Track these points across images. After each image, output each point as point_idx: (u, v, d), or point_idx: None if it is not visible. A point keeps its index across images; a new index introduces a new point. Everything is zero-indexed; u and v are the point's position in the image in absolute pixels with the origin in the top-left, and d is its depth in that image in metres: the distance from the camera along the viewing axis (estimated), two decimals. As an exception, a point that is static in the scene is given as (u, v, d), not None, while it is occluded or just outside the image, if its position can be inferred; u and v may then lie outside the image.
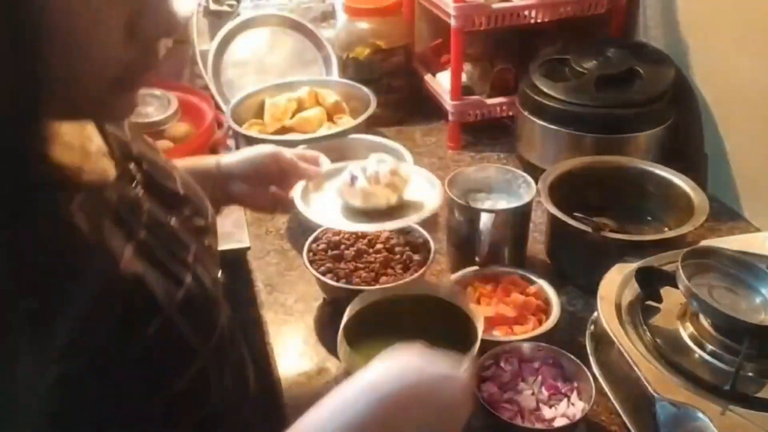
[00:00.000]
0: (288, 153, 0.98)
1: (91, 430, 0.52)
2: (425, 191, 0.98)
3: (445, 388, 0.64)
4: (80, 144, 0.60)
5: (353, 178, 0.93)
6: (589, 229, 1.01)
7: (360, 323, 0.87)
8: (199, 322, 0.61)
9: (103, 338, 0.52)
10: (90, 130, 0.64)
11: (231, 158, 0.97)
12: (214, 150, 1.48)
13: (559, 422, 0.81)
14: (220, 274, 0.76)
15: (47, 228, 0.49)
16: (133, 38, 0.49)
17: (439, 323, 0.87)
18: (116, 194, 0.60)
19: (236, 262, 1.19)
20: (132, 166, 0.66)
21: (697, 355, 0.82)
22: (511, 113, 1.47)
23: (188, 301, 0.60)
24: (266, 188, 0.96)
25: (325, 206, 0.96)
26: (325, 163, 1.01)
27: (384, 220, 0.92)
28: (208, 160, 0.97)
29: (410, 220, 0.93)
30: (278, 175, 0.96)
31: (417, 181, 0.99)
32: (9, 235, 0.46)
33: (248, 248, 1.20)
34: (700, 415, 0.72)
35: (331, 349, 0.98)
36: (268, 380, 0.96)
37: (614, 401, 0.84)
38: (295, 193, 0.96)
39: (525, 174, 1.11)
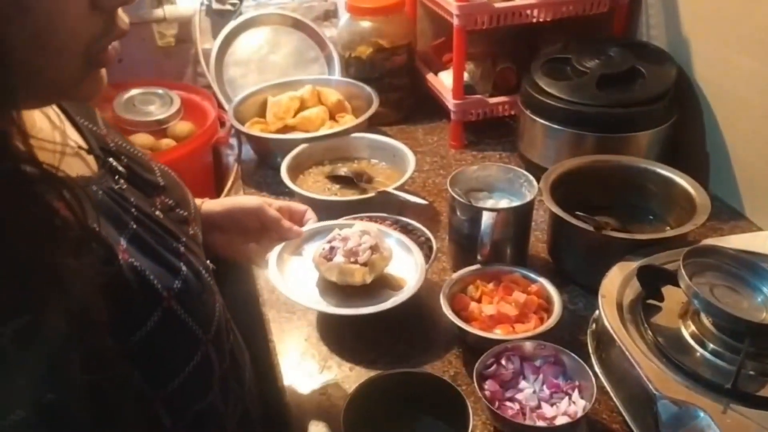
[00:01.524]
0: (272, 210, 0.92)
1: (99, 424, 0.52)
2: (408, 265, 0.95)
3: None
4: (55, 140, 0.60)
5: (331, 250, 0.90)
6: (591, 228, 1.01)
7: (359, 405, 0.81)
8: (198, 311, 0.62)
9: (106, 332, 0.52)
10: (66, 126, 0.64)
11: (214, 206, 0.92)
12: (216, 149, 1.49)
13: (561, 420, 0.81)
14: (209, 262, 0.76)
15: (37, 223, 0.48)
16: (96, 9, 0.50)
17: (435, 402, 0.83)
18: (101, 188, 0.60)
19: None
20: (112, 160, 0.66)
21: (698, 354, 0.82)
22: (513, 112, 1.47)
23: (186, 291, 0.61)
24: (245, 242, 0.92)
25: (299, 275, 0.93)
26: (311, 220, 0.96)
27: (359, 296, 0.90)
28: None
29: (383, 306, 0.89)
30: (259, 231, 0.92)
31: (400, 256, 0.96)
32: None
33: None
34: (702, 413, 0.73)
35: (333, 347, 0.99)
36: (270, 378, 0.96)
37: (615, 400, 0.85)
38: (272, 257, 0.92)
39: (527, 173, 1.12)
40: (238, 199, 0.95)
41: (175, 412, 0.60)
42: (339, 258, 0.90)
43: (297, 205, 0.99)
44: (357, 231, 0.93)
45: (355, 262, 0.90)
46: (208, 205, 0.92)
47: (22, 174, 0.47)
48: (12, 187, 0.46)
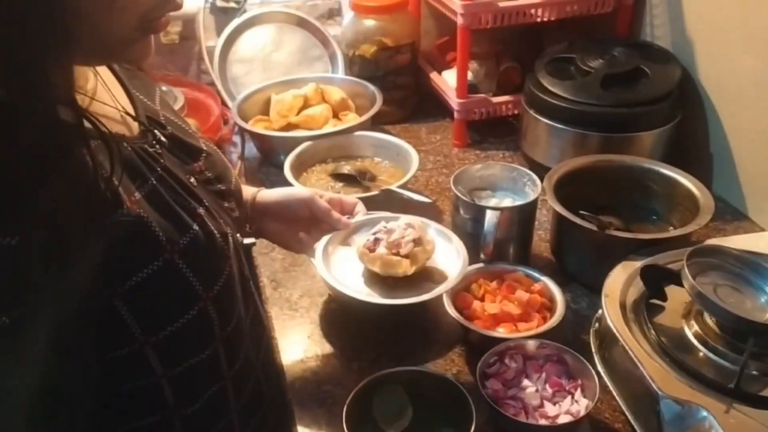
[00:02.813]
0: (322, 202, 0.95)
1: (87, 363, 0.55)
2: (450, 257, 0.96)
3: None
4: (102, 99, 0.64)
5: (375, 241, 0.94)
6: (595, 228, 1.01)
7: (361, 403, 0.82)
8: (201, 269, 0.64)
9: (103, 273, 0.55)
10: (118, 92, 0.69)
11: (268, 195, 0.96)
12: (220, 146, 1.49)
13: (563, 419, 0.81)
14: (239, 236, 0.78)
15: (68, 167, 0.52)
16: None
17: (438, 400, 0.84)
18: (132, 148, 0.64)
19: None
20: (155, 129, 0.70)
21: (701, 354, 0.82)
22: (516, 111, 1.47)
23: (192, 248, 0.63)
24: (296, 230, 0.95)
25: (345, 265, 0.96)
26: (361, 213, 0.98)
27: (401, 287, 0.92)
28: (245, 191, 0.96)
29: (421, 298, 0.90)
30: (309, 221, 0.95)
31: (442, 248, 0.97)
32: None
33: (253, 243, 1.19)
34: (705, 413, 0.73)
35: (335, 344, 0.99)
36: (272, 375, 0.96)
37: (618, 399, 0.85)
38: (319, 246, 0.95)
39: (530, 172, 1.12)
40: (291, 189, 0.99)
41: (167, 360, 0.63)
42: (382, 249, 0.93)
43: (348, 198, 1.01)
44: (402, 224, 0.96)
45: (398, 254, 0.93)
46: (264, 193, 0.96)
47: (56, 114, 0.50)
48: (43, 122, 0.50)
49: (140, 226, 0.60)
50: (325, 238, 0.97)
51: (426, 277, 0.94)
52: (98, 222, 0.56)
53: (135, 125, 0.69)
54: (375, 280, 0.94)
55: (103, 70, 0.69)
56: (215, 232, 0.68)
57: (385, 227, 0.96)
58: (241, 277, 0.75)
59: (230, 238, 0.72)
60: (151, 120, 0.71)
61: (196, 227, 0.65)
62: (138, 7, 0.56)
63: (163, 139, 0.70)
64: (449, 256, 0.97)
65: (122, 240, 0.57)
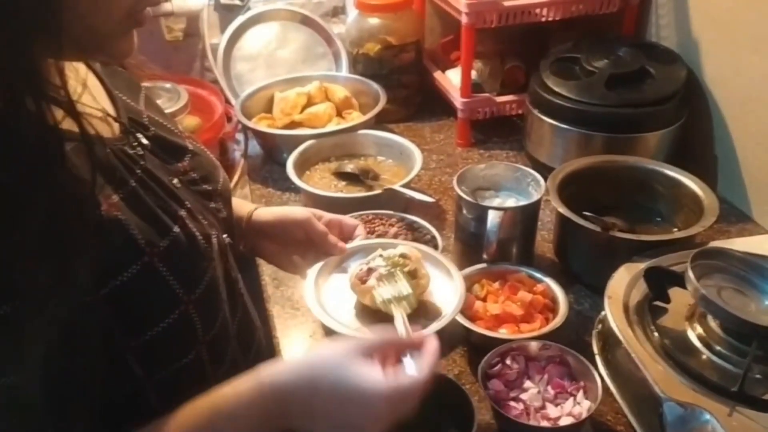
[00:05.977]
0: (319, 225, 0.92)
1: (66, 366, 0.54)
2: (447, 292, 0.90)
3: (356, 404, 0.62)
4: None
5: (368, 272, 0.89)
6: (598, 229, 1.00)
7: None
8: (182, 272, 0.64)
9: (82, 277, 0.54)
10: (99, 93, 0.68)
11: (263, 214, 0.93)
12: (223, 144, 1.49)
13: (565, 421, 0.81)
14: (226, 236, 0.77)
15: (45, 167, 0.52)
16: None
17: (439, 401, 0.79)
18: (111, 150, 0.63)
19: (243, 256, 1.18)
20: (137, 131, 0.69)
21: (704, 356, 0.82)
22: (520, 111, 1.47)
23: (172, 250, 0.63)
24: (291, 252, 0.93)
25: (337, 293, 0.91)
26: (360, 236, 0.95)
27: (392, 320, 0.83)
28: (241, 208, 0.93)
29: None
30: (305, 243, 0.92)
31: (441, 282, 0.91)
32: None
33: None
34: (708, 416, 0.72)
35: (338, 343, 0.98)
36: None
37: (620, 401, 0.84)
38: (311, 273, 0.91)
39: (534, 172, 1.11)
40: (288, 209, 0.96)
41: (149, 364, 0.62)
42: (372, 281, 0.88)
43: (348, 220, 0.98)
44: (396, 255, 0.90)
45: None
46: (260, 212, 0.94)
47: (44, 111, 0.50)
48: (31, 119, 0.50)
49: (117, 230, 0.59)
50: (319, 264, 0.92)
51: (419, 312, 0.89)
52: (85, 218, 0.55)
53: (116, 126, 0.68)
54: (367, 311, 0.89)
55: (83, 70, 0.68)
56: (197, 234, 0.67)
57: (381, 255, 0.91)
58: (228, 278, 0.74)
59: (214, 240, 0.71)
60: (132, 121, 0.70)
61: (176, 229, 0.65)
62: (125, 1, 0.56)
63: (144, 141, 0.69)
64: (446, 291, 0.91)
65: (99, 244, 0.56)
